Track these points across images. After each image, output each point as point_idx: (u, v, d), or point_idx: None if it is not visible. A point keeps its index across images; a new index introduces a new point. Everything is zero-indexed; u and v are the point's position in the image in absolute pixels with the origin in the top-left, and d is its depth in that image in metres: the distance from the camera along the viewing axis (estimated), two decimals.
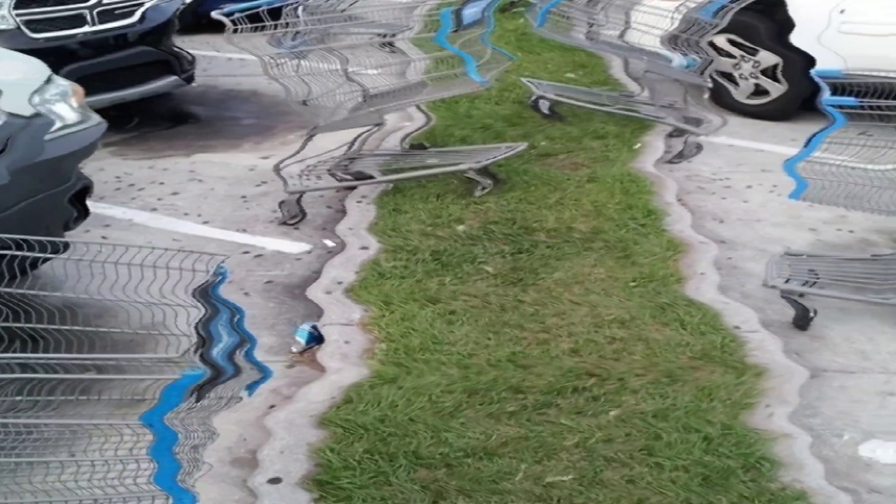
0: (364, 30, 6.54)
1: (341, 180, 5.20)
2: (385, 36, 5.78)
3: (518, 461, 2.93)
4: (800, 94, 6.44)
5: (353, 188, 5.19)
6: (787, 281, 3.91)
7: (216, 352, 2.07)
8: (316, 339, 3.80)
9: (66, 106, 4.03)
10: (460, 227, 4.65)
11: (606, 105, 6.36)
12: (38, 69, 4.16)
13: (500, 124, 6.23)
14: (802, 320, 3.88)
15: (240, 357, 2.17)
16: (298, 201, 5.03)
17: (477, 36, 5.16)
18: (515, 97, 6.72)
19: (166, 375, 2.10)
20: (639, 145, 5.83)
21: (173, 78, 6.74)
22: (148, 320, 2.44)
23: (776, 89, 6.55)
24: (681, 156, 5.84)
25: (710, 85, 5.67)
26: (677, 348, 3.57)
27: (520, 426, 3.11)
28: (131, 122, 6.65)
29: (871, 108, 3.63)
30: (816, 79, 3.75)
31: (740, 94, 6.68)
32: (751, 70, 6.56)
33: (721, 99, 6.64)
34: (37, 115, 3.77)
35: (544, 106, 6.33)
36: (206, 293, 2.02)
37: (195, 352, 2.07)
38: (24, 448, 2.37)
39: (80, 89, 4.17)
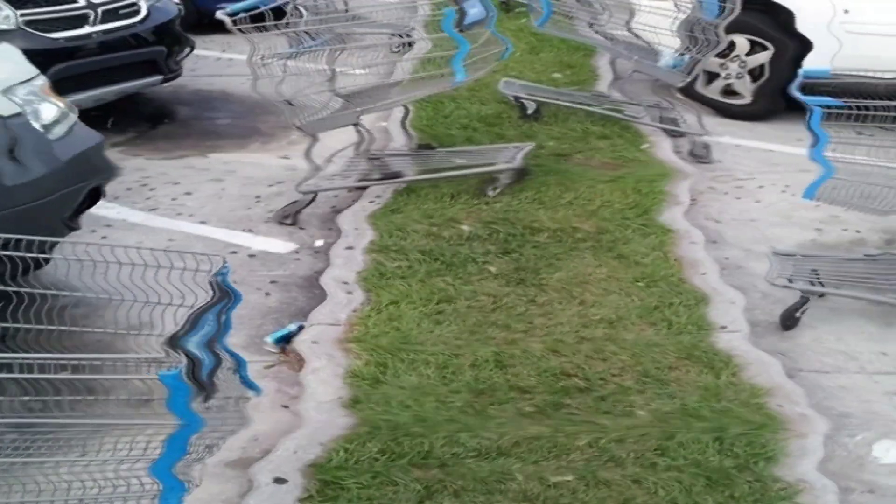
0: (376, 30, 6.51)
1: (359, 180, 5.14)
2: (402, 36, 5.71)
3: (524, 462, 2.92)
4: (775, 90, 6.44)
5: (365, 188, 5.14)
6: (790, 280, 3.91)
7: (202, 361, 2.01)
8: (285, 339, 3.77)
9: (47, 104, 3.99)
10: (465, 227, 4.61)
11: (584, 104, 6.33)
12: (24, 69, 4.11)
13: (478, 124, 6.14)
14: (790, 320, 3.89)
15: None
16: (310, 202, 4.98)
17: (488, 33, 5.12)
18: (502, 97, 6.64)
19: (148, 375, 2.07)
20: (646, 145, 5.80)
21: (157, 77, 6.66)
22: (135, 320, 2.41)
23: (747, 90, 6.55)
24: (693, 156, 5.83)
25: (681, 84, 5.67)
26: (655, 348, 3.54)
27: (527, 427, 3.10)
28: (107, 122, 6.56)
29: (850, 107, 3.66)
30: (798, 80, 3.76)
31: (711, 92, 6.67)
32: (737, 70, 6.57)
33: (692, 97, 6.67)
34: None
35: (531, 107, 6.27)
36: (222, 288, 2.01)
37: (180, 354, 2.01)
38: (38, 448, 2.35)
39: (47, 88, 4.13)
